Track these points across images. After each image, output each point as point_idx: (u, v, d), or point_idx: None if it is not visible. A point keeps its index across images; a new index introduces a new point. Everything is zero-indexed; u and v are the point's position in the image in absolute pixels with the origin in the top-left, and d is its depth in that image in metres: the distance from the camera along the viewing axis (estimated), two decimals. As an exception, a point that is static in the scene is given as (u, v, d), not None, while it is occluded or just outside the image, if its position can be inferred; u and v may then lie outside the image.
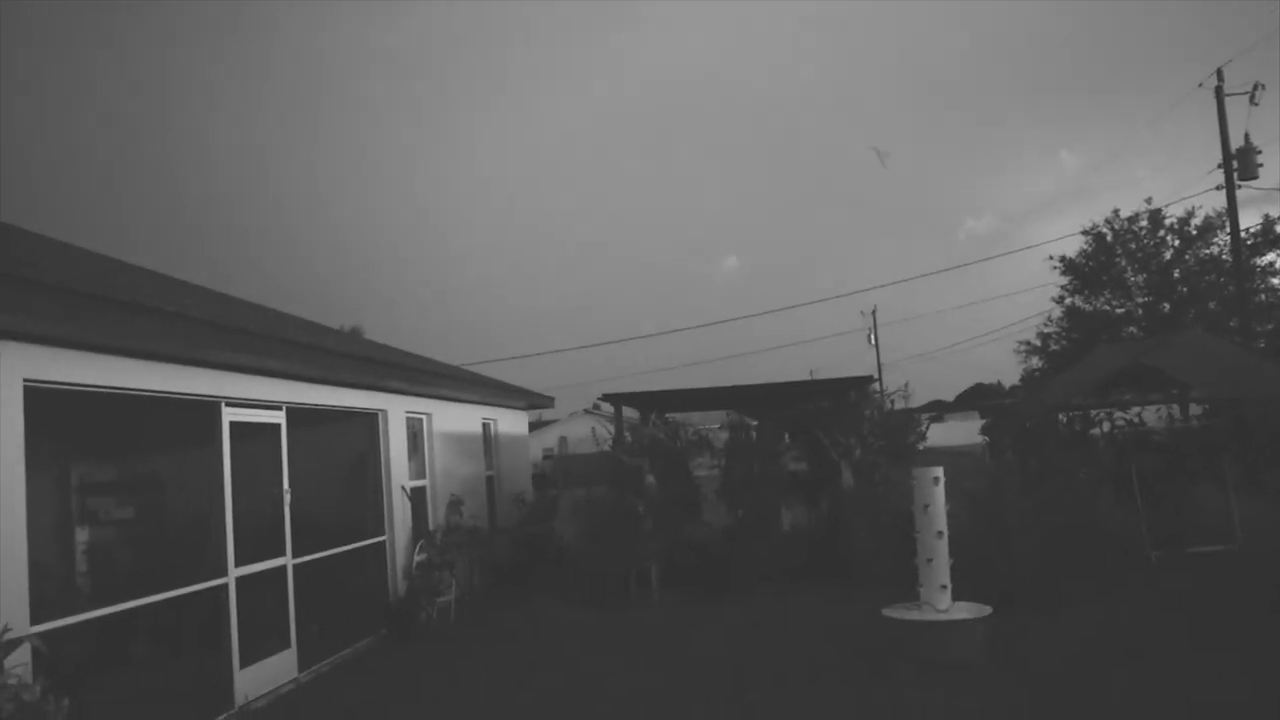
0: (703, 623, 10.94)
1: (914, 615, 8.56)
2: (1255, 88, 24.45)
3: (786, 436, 15.84)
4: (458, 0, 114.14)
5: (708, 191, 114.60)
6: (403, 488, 12.20)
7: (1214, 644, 8.56)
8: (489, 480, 16.22)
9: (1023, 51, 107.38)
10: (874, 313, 59.77)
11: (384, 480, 11.93)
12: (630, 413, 17.02)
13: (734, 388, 14.82)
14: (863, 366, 71.60)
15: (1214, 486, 14.13)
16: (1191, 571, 11.96)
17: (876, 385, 15.25)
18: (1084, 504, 12.66)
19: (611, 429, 14.90)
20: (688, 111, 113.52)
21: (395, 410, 12.23)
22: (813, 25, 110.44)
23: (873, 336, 59.56)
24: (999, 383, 66.95)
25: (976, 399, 64.96)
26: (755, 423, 17.33)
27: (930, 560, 8.64)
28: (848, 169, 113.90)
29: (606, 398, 14.61)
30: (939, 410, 64.28)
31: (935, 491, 8.73)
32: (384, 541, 11.77)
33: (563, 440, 56.00)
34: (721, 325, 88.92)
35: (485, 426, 16.23)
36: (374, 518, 11.78)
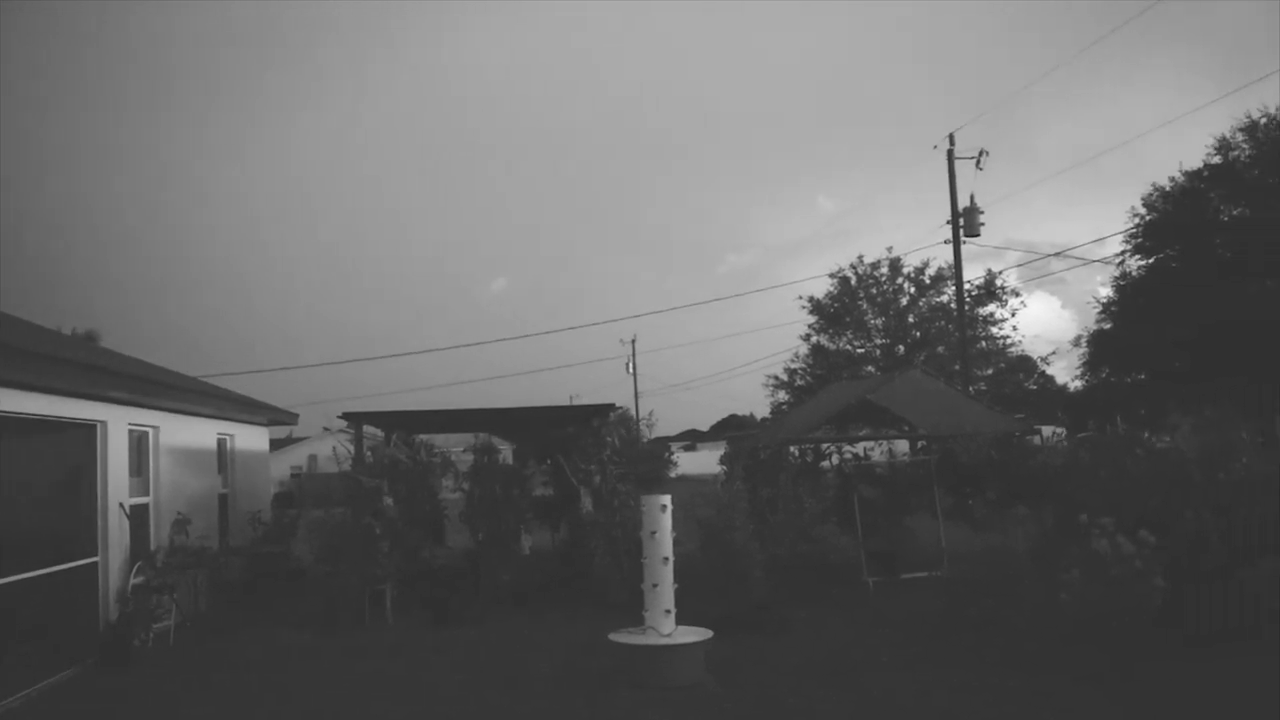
0: (433, 648, 10.79)
1: (638, 640, 8.76)
2: (980, 154, 27.00)
3: (547, 460, 15.97)
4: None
5: (478, 211, 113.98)
6: (121, 505, 11.44)
7: (918, 660, 9.30)
8: (223, 498, 15.44)
9: (793, 94, 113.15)
10: (633, 341, 61.24)
11: (100, 497, 11.12)
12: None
13: (480, 410, 14.77)
14: (622, 394, 73.02)
15: (928, 516, 15.29)
16: (903, 595, 12.91)
17: (619, 413, 15.59)
18: (809, 532, 13.42)
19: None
20: (459, 129, 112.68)
21: (116, 422, 11.46)
22: (588, 47, 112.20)
23: (631, 365, 60.89)
24: (752, 414, 69.95)
25: (729, 429, 67.49)
26: (513, 447, 17.38)
27: (656, 585, 8.89)
28: (619, 196, 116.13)
29: (346, 416, 14.19)
30: (693, 439, 66.41)
31: (662, 518, 9.01)
32: (96, 563, 10.98)
33: (312, 458, 53.90)
34: (486, 346, 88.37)
35: (220, 442, 15.46)
36: (86, 537, 10.94)
